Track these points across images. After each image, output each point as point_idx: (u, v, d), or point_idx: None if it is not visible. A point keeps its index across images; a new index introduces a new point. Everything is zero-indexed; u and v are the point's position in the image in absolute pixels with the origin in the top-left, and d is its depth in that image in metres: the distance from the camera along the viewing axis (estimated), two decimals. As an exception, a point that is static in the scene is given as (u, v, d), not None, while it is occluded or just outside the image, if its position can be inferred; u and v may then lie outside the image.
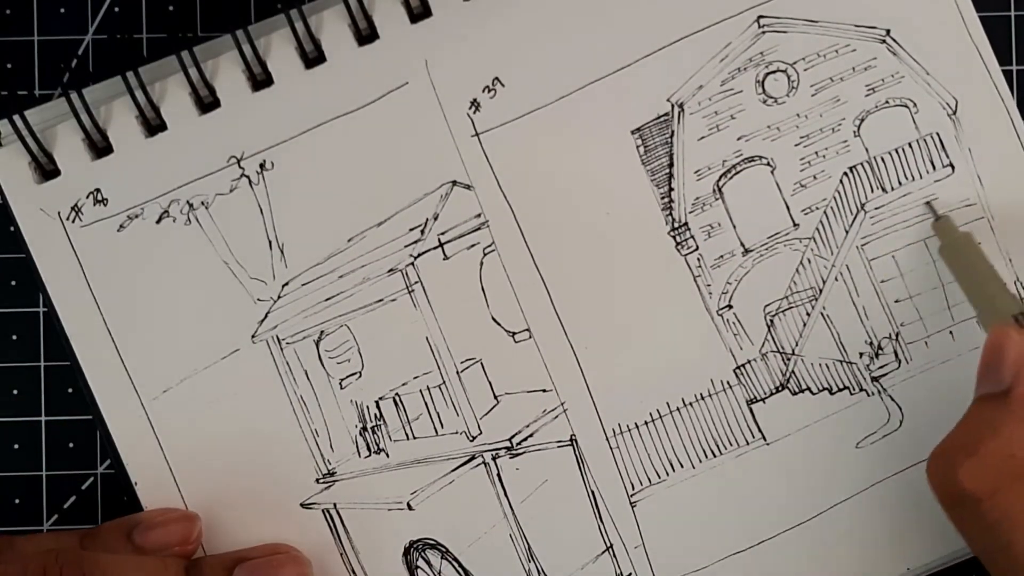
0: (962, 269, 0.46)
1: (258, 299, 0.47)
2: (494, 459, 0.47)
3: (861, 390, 0.48)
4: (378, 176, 0.47)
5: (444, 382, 0.47)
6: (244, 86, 0.47)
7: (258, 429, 0.47)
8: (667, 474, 0.47)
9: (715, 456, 0.48)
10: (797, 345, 0.48)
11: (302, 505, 0.47)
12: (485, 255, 0.47)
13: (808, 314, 0.48)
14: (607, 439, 0.47)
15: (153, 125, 0.47)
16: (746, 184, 0.48)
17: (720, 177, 0.48)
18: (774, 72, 0.48)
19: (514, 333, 0.47)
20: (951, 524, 0.44)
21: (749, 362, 0.48)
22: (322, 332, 0.47)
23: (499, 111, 0.47)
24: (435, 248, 0.47)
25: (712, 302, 0.48)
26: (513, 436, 0.47)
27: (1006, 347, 0.41)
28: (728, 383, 0.48)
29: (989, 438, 0.40)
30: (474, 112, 0.47)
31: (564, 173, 0.48)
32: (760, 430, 0.48)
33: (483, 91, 0.47)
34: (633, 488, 0.47)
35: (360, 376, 0.47)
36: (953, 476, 0.40)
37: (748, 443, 0.48)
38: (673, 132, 0.48)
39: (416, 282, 0.47)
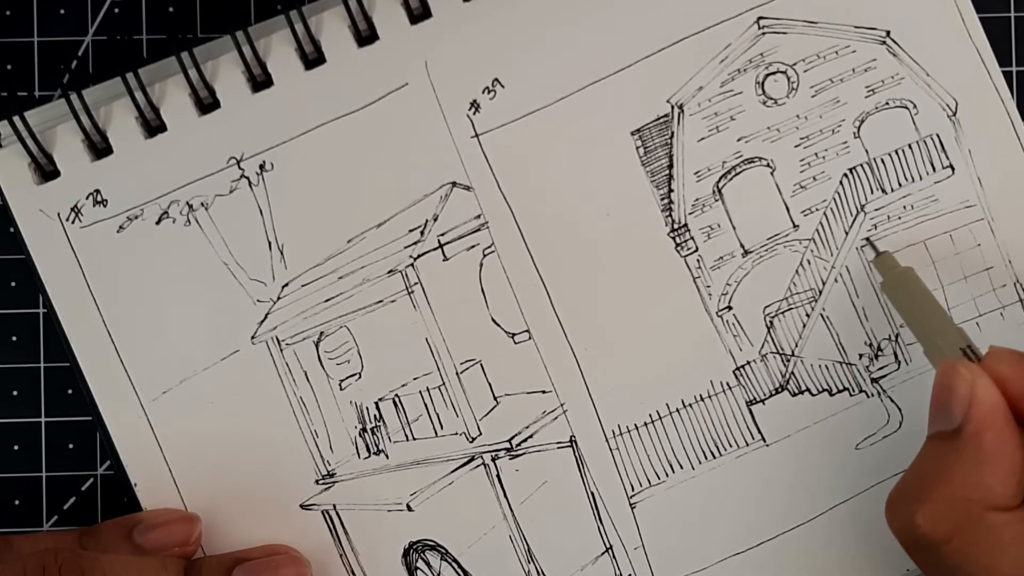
0: (906, 304, 0.45)
1: (258, 300, 0.47)
2: (494, 460, 0.47)
3: (861, 391, 0.48)
4: (378, 177, 0.47)
5: (444, 383, 0.47)
6: (244, 87, 0.47)
7: (258, 430, 0.47)
8: (667, 475, 0.47)
9: (715, 457, 0.48)
10: (797, 346, 0.48)
11: (301, 506, 0.47)
12: (485, 256, 0.47)
13: (808, 315, 0.48)
14: (607, 440, 0.47)
15: (153, 126, 0.47)
16: (746, 185, 0.48)
17: (720, 178, 0.48)
18: (774, 73, 0.48)
19: (514, 334, 0.47)
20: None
21: (749, 363, 0.48)
22: (322, 333, 0.47)
23: (499, 112, 0.47)
24: (435, 249, 0.47)
25: (712, 303, 0.48)
26: (513, 437, 0.47)
27: (955, 384, 0.40)
28: (728, 384, 0.48)
29: (942, 482, 0.39)
30: (474, 113, 0.47)
31: (564, 174, 0.48)
32: (760, 431, 0.48)
33: (483, 92, 0.47)
34: (633, 489, 0.47)
35: (360, 377, 0.47)
36: (911, 522, 0.39)
37: (748, 444, 0.48)
38: (673, 133, 0.48)
39: (416, 283, 0.47)
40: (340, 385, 0.48)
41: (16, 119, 0.46)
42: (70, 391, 0.49)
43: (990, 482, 0.39)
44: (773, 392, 0.48)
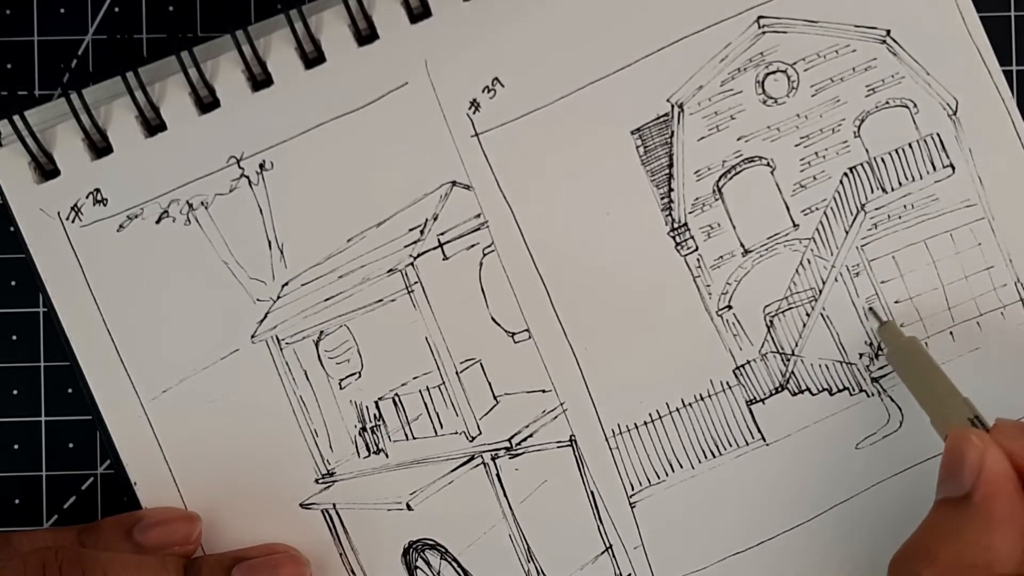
0: (911, 374, 0.45)
1: (257, 299, 0.47)
2: (493, 459, 0.47)
3: (861, 391, 0.48)
4: (378, 176, 0.47)
5: (444, 382, 0.47)
6: (244, 86, 0.47)
7: (257, 429, 0.47)
8: (666, 475, 0.47)
9: (715, 457, 0.48)
10: (797, 346, 0.48)
11: (301, 505, 0.47)
12: (484, 255, 0.47)
13: (808, 315, 0.48)
14: (606, 439, 0.47)
15: (153, 125, 0.47)
16: (746, 184, 0.48)
17: (720, 177, 0.48)
18: (774, 72, 0.48)
19: (513, 333, 0.47)
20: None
21: (749, 363, 0.48)
22: (321, 332, 0.47)
23: (499, 111, 0.47)
24: (435, 248, 0.47)
25: (712, 302, 0.48)
26: (512, 436, 0.47)
27: (966, 451, 0.40)
28: (728, 384, 0.48)
29: (949, 544, 0.39)
30: (474, 112, 0.47)
31: (564, 173, 0.48)
32: (760, 431, 0.48)
33: (483, 91, 0.47)
34: (632, 488, 0.47)
35: (359, 376, 0.47)
36: None
37: (748, 444, 0.48)
38: (673, 132, 0.48)
39: (416, 282, 0.47)
40: (340, 384, 0.48)
41: (16, 118, 0.46)
42: (70, 391, 0.49)
43: (998, 548, 0.39)
44: (773, 391, 0.48)
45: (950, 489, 0.41)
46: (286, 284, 0.47)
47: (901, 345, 0.46)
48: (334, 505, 0.47)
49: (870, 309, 0.47)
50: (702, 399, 0.48)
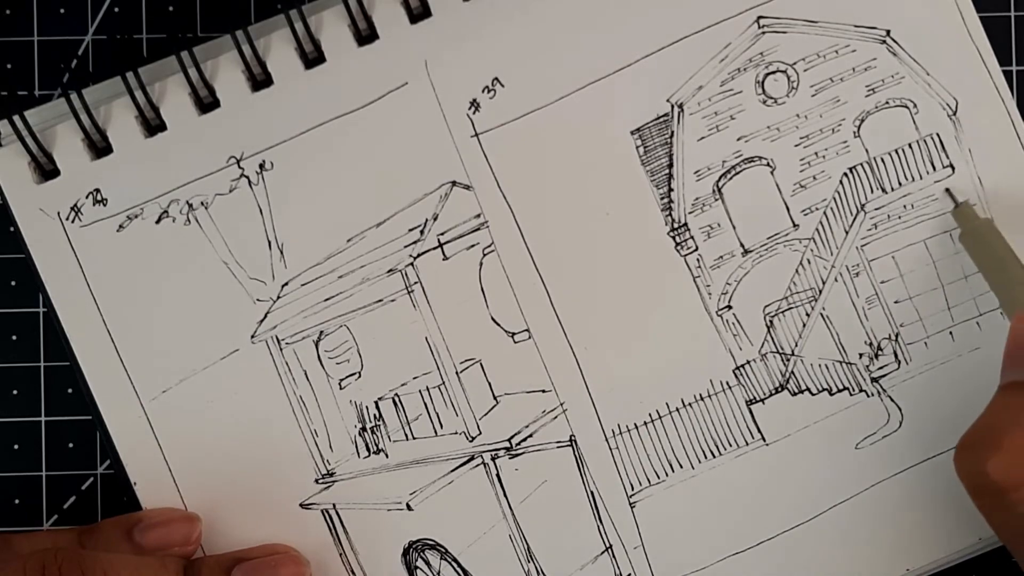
0: (983, 256, 0.45)
1: (257, 299, 0.47)
2: (493, 459, 0.47)
3: (861, 391, 0.48)
4: (378, 176, 0.47)
5: (443, 382, 0.47)
6: (244, 86, 0.47)
7: (257, 429, 0.47)
8: (666, 475, 0.47)
9: (714, 457, 0.48)
10: (797, 346, 0.48)
11: (301, 505, 0.47)
12: (484, 255, 0.47)
13: (808, 315, 0.48)
14: (606, 439, 0.47)
15: (153, 125, 0.47)
16: (746, 185, 0.48)
17: (720, 177, 0.48)
18: (774, 72, 0.48)
19: (513, 333, 0.47)
20: (950, 524, 0.45)
21: (748, 363, 0.48)
22: (321, 332, 0.47)
23: (499, 111, 0.47)
24: (434, 248, 0.47)
25: (712, 303, 0.48)
26: (512, 436, 0.47)
27: None
28: (727, 384, 0.48)
29: (1015, 429, 0.39)
30: (474, 112, 0.47)
31: (564, 173, 0.48)
32: (759, 431, 0.48)
33: (483, 91, 0.47)
34: (632, 489, 0.47)
35: (359, 376, 0.47)
36: (981, 468, 0.40)
37: (747, 444, 0.48)
38: (673, 132, 0.48)
39: (415, 282, 0.47)
40: (340, 384, 0.48)
41: (16, 118, 0.46)
42: (70, 390, 0.49)
43: None
44: (773, 391, 0.48)
45: (1014, 373, 0.40)
46: (286, 284, 0.47)
47: (975, 227, 0.45)
48: (334, 505, 0.47)
49: (946, 190, 0.47)
50: (702, 399, 0.48)
